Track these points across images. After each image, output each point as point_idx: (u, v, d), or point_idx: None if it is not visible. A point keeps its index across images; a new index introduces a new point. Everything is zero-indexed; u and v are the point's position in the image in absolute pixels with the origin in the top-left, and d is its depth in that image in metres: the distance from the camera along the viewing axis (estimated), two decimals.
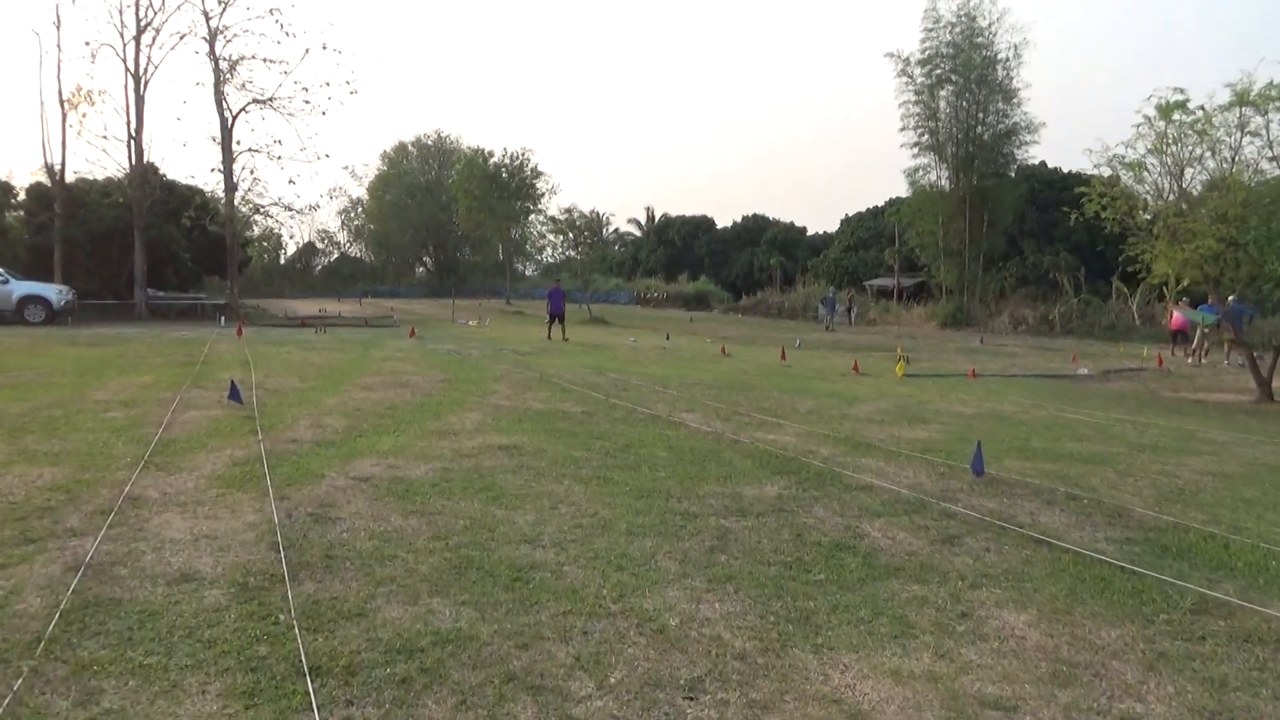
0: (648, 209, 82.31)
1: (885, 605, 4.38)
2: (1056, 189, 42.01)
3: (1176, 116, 14.35)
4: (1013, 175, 38.27)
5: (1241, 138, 14.21)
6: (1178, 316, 24.51)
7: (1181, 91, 14.22)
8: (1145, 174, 15.06)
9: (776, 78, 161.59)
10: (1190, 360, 22.11)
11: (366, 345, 20.66)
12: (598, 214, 42.00)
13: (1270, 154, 13.93)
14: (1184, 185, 14.94)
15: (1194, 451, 9.28)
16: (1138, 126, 14.82)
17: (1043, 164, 41.55)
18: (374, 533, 5.31)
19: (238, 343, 20.54)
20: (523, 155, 52.57)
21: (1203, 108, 14.33)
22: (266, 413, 9.77)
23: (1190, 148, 14.44)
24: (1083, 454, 8.84)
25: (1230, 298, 22.55)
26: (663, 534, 5.47)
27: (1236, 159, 14.38)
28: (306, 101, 35.48)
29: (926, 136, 37.28)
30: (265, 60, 34.48)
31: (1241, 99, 13.78)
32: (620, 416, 10.14)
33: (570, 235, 40.59)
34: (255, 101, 35.16)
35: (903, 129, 38.12)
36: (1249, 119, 14.02)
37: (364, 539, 5.19)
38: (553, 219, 39.79)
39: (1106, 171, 15.48)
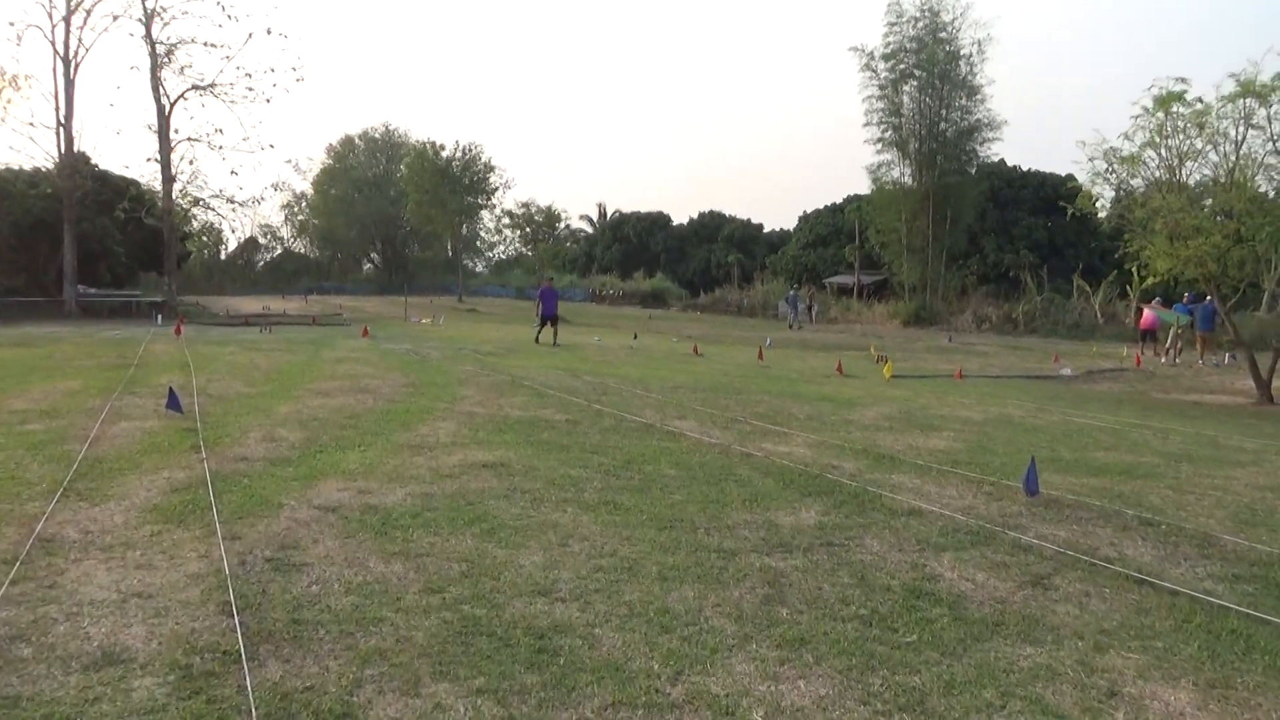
0: (599, 205, 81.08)
1: (1007, 680, 3.50)
2: (1016, 187, 42.05)
3: (1176, 108, 13.81)
4: (974, 172, 38.02)
5: (1246, 130, 13.74)
6: (1147, 315, 24.27)
7: (1183, 81, 13.71)
8: (1142, 168, 14.53)
9: (732, 73, 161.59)
10: (1164, 360, 21.83)
11: (317, 345, 19.39)
12: (554, 209, 40.74)
13: (1275, 148, 13.48)
14: (1183, 179, 14.42)
15: (1232, 462, 8.63)
16: (1135, 118, 14.30)
17: (1002, 161, 41.48)
18: (351, 584, 4.30)
19: (176, 343, 19.14)
20: (475, 149, 51.26)
21: (1200, 99, 13.83)
22: (210, 423, 8.63)
23: (1190, 140, 13.92)
24: (1120, 466, 8.11)
25: (1209, 298, 22.39)
26: (702, 578, 4.54)
27: (1241, 153, 13.91)
28: (249, 89, 33.82)
29: (890, 132, 36.88)
30: (205, 44, 32.77)
31: (1246, 90, 13.27)
32: (609, 425, 9.18)
33: (528, 230, 39.37)
34: (195, 88, 33.43)
35: (866, 124, 37.75)
36: (1253, 110, 13.53)
37: (339, 593, 4.17)
38: (509, 213, 38.64)
39: (1101, 165, 14.93)
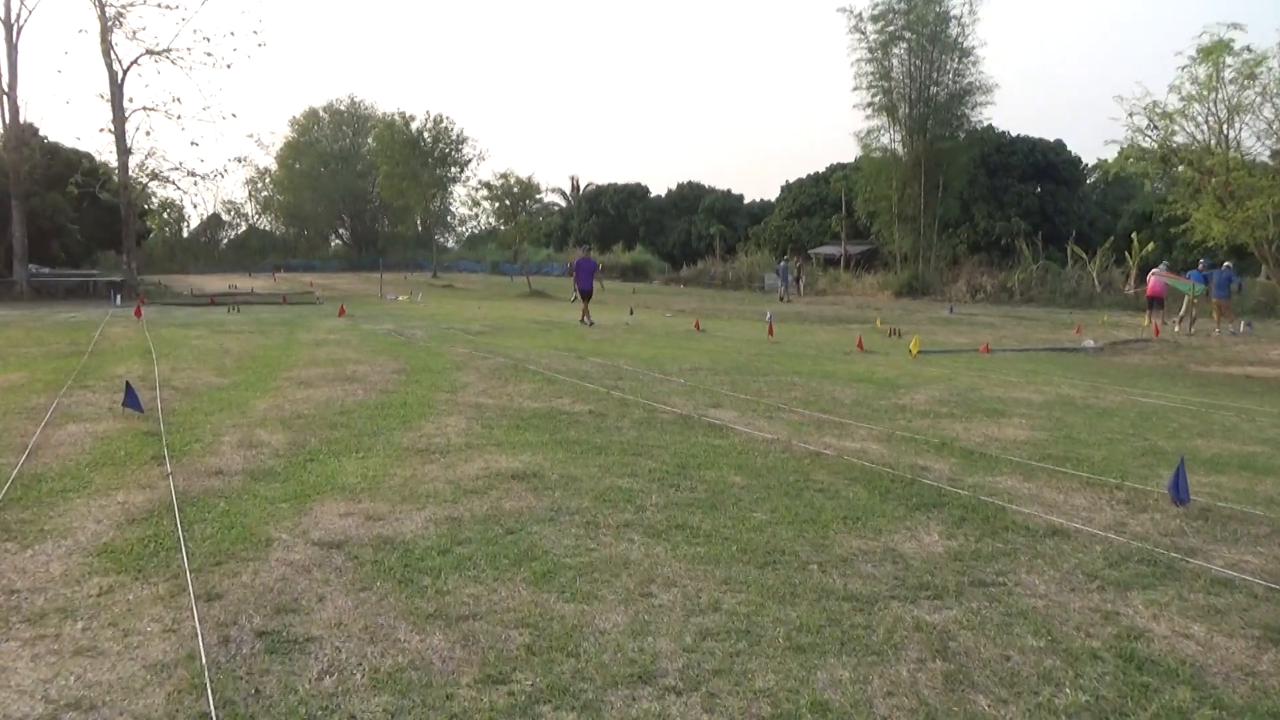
0: (572, 178, 79.21)
1: None
2: (1005, 153, 41.06)
3: (1224, 59, 12.73)
4: (962, 137, 36.88)
5: None
6: (1155, 283, 23.39)
7: (1236, 28, 12.62)
8: (1189, 123, 13.47)
9: (706, 40, 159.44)
10: (1177, 329, 20.96)
11: (291, 326, 17.99)
12: (533, 180, 39.19)
13: None
14: (1232, 134, 13.40)
15: None
16: (1183, 69, 13.20)
17: (990, 127, 40.43)
18: (379, 673, 3.09)
19: (136, 326, 17.65)
20: (446, 119, 49.45)
21: (1249, 48, 12.75)
22: (177, 425, 7.34)
23: (1242, 93, 12.86)
24: (1235, 458, 7.07)
25: (1226, 264, 21.53)
26: (847, 646, 3.39)
27: None
28: (208, 54, 31.86)
29: (880, 97, 35.68)
30: (159, 5, 30.72)
31: None
32: (641, 418, 7.99)
33: (507, 202, 37.83)
34: (149, 53, 31.43)
35: (855, 89, 36.48)
36: None
37: (364, 690, 2.97)
38: (487, 184, 37.05)
39: (1142, 121, 13.84)
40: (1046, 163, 40.85)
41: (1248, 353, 16.48)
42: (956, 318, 25.90)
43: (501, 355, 12.70)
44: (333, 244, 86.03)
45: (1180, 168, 13.82)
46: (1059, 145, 41.95)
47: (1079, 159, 42.26)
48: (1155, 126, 13.96)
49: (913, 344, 14.79)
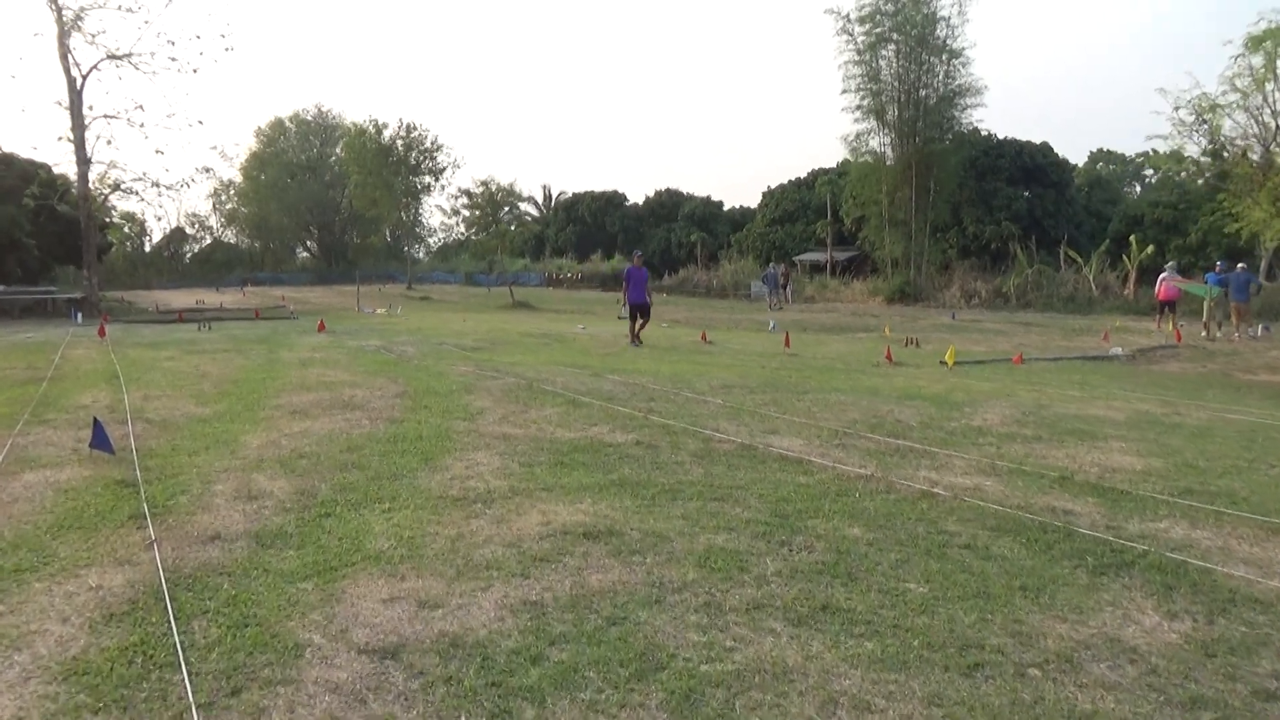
0: (544, 187, 78.00)
1: None
2: (993, 156, 40.50)
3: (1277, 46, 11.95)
4: (949, 140, 36.22)
5: None
6: (1168, 287, 22.73)
7: None
8: (1238, 116, 12.67)
9: (683, 47, 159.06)
10: (1204, 334, 20.25)
11: (270, 344, 16.70)
12: (515, 187, 38.03)
13: None
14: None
15: None
16: (1235, 58, 12.41)
17: (975, 130, 39.81)
18: None
19: (100, 347, 16.29)
20: (420, 127, 48.18)
21: None
22: (156, 469, 6.15)
23: None
24: None
25: (1240, 265, 20.89)
26: None
27: None
28: (172, 58, 30.45)
29: (869, 99, 34.91)
30: (120, 8, 29.24)
31: None
32: (698, 450, 6.92)
33: (489, 210, 36.61)
34: (110, 57, 29.91)
35: (844, 91, 35.72)
36: None
37: None
38: (467, 192, 35.77)
39: (1188, 117, 13.03)
40: (1034, 165, 40.35)
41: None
42: (961, 324, 25.09)
43: (510, 374, 11.56)
44: (300, 256, 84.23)
45: (1240, 165, 12.99)
46: (1046, 148, 41.48)
47: (1066, 161, 41.92)
48: (1204, 120, 13.21)
49: (948, 355, 13.86)
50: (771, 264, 41.16)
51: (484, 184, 35.66)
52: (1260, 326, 20.60)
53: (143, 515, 5.03)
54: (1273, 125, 12.51)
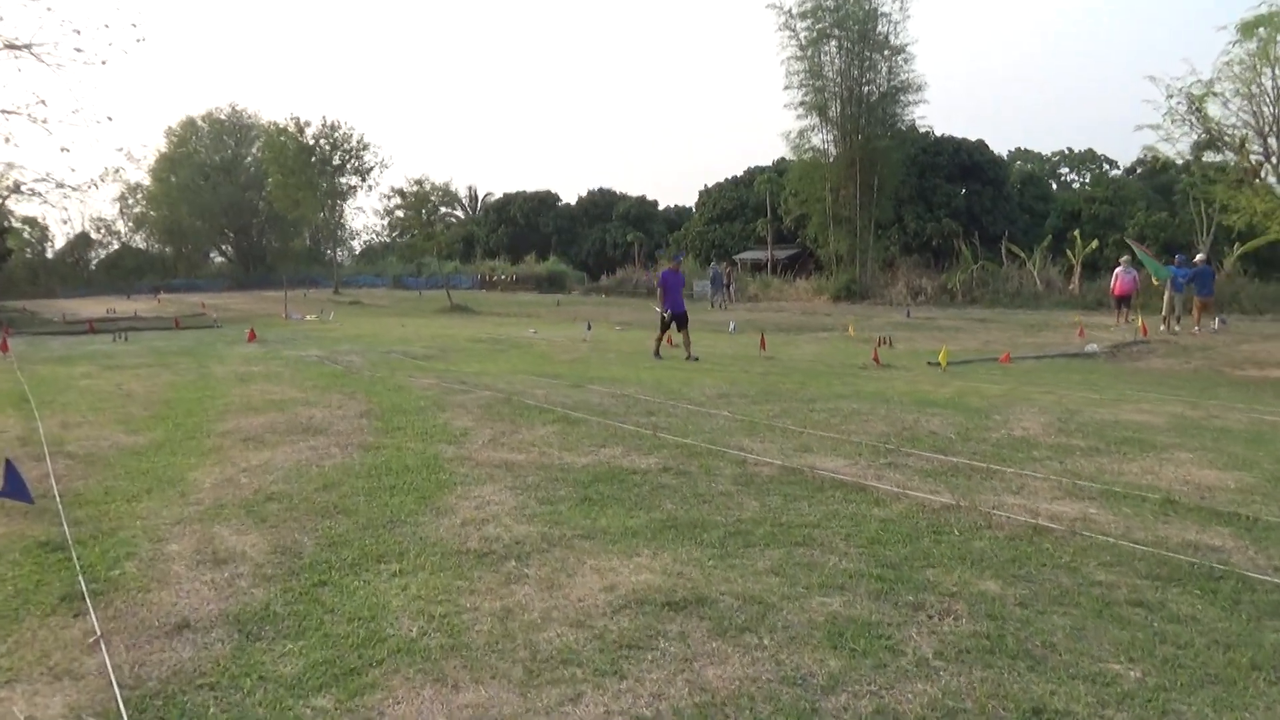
0: (470, 188, 75.98)
1: None
2: (931, 153, 40.58)
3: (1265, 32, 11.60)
4: (891, 138, 36.02)
5: None
6: (1122, 282, 22.67)
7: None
8: (1235, 104, 12.32)
9: (611, 43, 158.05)
10: (1163, 328, 20.13)
11: (197, 357, 15.20)
12: (450, 186, 36.50)
13: None
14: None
15: None
16: (1233, 43, 12.05)
17: (912, 127, 39.78)
18: None
19: (3, 363, 14.56)
20: (345, 125, 46.17)
21: None
22: (89, 523, 4.95)
23: None
24: None
25: (1199, 257, 20.87)
26: None
27: None
28: (79, 49, 28.19)
29: (811, 95, 34.49)
30: None
31: None
32: (737, 475, 6.00)
33: (422, 211, 35.02)
34: (8, 47, 27.44)
35: (786, 87, 35.15)
36: None
37: None
38: (400, 192, 34.12)
39: (1179, 107, 12.64)
40: (971, 163, 40.58)
41: (1260, 352, 15.57)
42: (917, 322, 24.70)
43: (480, 387, 10.45)
44: (215, 262, 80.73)
45: (1240, 157, 12.64)
46: (981, 145, 41.79)
47: (1002, 158, 42.29)
48: (1197, 109, 12.85)
49: (941, 356, 13.20)
50: (714, 263, 40.48)
51: (418, 183, 34.12)
52: (1217, 319, 20.61)
53: (80, 595, 3.86)
54: (1270, 115, 12.25)
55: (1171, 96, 13.11)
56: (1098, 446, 7.11)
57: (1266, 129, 12.29)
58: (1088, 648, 3.30)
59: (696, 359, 14.32)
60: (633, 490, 5.61)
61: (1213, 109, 12.91)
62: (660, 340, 15.31)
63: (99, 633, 3.44)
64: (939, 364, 13.00)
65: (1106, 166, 71.33)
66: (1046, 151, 75.13)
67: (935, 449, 6.97)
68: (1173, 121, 13.34)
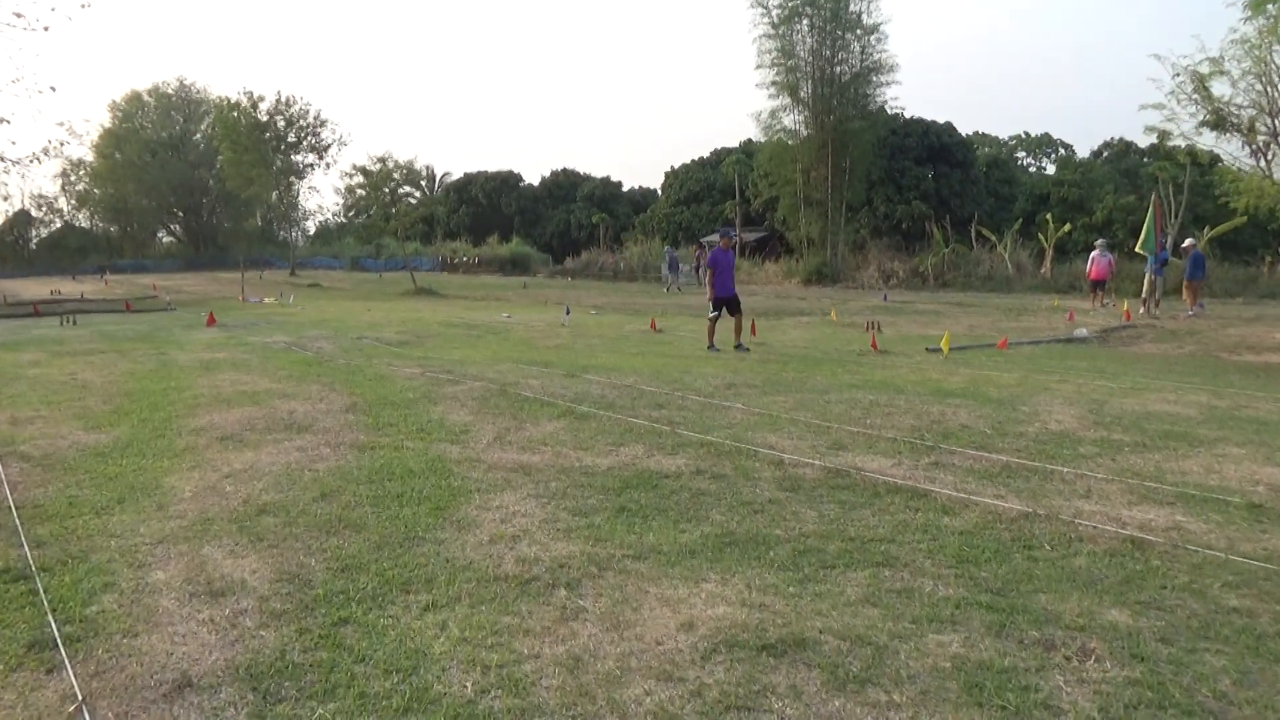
0: (427, 167, 74.23)
1: None
2: (901, 135, 40.34)
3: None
4: (863, 119, 35.62)
5: None
6: (1099, 266, 22.59)
7: None
8: (1246, 82, 12.02)
9: (577, 23, 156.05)
10: (1143, 311, 20.03)
11: (155, 343, 14.32)
12: (415, 164, 35.42)
13: None
14: None
15: None
16: (1245, 20, 11.72)
17: (883, 109, 39.48)
18: None
19: None
20: (301, 101, 44.70)
21: None
22: (55, 545, 4.29)
23: None
24: None
25: (1188, 242, 20.79)
26: None
27: None
28: (18, 14, 26.76)
29: (783, 75, 33.93)
30: None
31: None
32: (781, 480, 5.48)
33: (387, 190, 33.90)
34: None
35: (758, 66, 34.52)
36: None
37: None
38: (362, 169, 32.97)
39: (1185, 86, 12.32)
40: (940, 145, 40.43)
41: (1249, 336, 15.42)
42: (895, 306, 24.40)
43: (468, 377, 9.81)
44: (164, 241, 78.32)
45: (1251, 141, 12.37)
46: (950, 127, 41.69)
47: (970, 141, 42.25)
48: (1205, 87, 12.53)
49: (943, 342, 12.80)
50: (668, 246, 39.85)
51: (380, 160, 33.00)
52: (1196, 305, 20.55)
53: (51, 641, 3.21)
54: (1278, 95, 12.02)
55: (1178, 75, 12.81)
56: (1143, 441, 6.70)
57: (1275, 109, 12.05)
58: (1265, 697, 2.82)
59: (746, 349, 12.75)
60: (671, 498, 5.06)
61: (1218, 88, 12.67)
62: (713, 330, 13.27)
63: (80, 697, 2.80)
64: (940, 350, 12.59)
65: (1063, 151, 72.07)
66: (1004, 135, 75.65)
67: (975, 445, 6.51)
68: (1178, 101, 13.04)
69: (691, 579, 3.81)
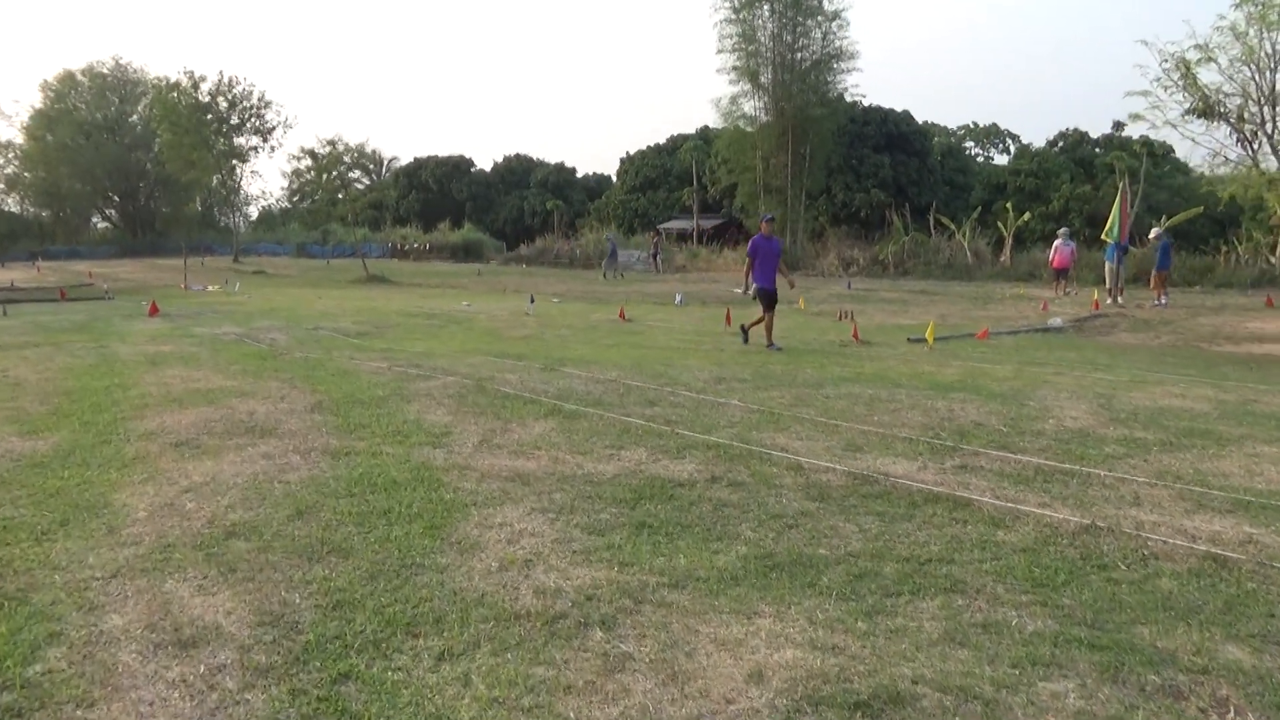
0: (374, 152, 72.35)
1: None
2: (860, 123, 40.20)
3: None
4: (822, 106, 35.42)
5: None
6: (1061, 253, 22.63)
7: None
8: (1238, 69, 11.82)
9: (530, 6, 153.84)
10: (1109, 300, 20.04)
11: (94, 334, 13.41)
12: (367, 148, 34.26)
13: None
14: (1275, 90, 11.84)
15: None
16: (1236, 5, 11.52)
17: (841, 96, 39.33)
18: None
19: None
20: (245, 82, 43.14)
21: None
22: None
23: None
24: None
25: (1154, 232, 20.84)
26: None
27: None
28: None
29: (744, 61, 33.51)
30: None
31: None
32: (805, 488, 5.03)
33: (335, 174, 32.76)
34: None
35: (719, 51, 34.13)
36: None
37: None
38: (311, 153, 31.75)
39: (1174, 73, 12.10)
40: (898, 133, 40.41)
41: (1223, 326, 15.43)
42: (860, 294, 24.17)
43: (440, 371, 9.21)
44: (99, 227, 75.45)
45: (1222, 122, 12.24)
46: (908, 116, 41.70)
47: (927, 129, 42.30)
48: (1192, 74, 12.33)
49: (928, 333, 12.49)
50: (609, 232, 39.23)
51: (330, 143, 31.85)
52: (1162, 296, 20.65)
53: None
54: (1268, 82, 11.88)
55: (1165, 62, 12.64)
56: (1168, 440, 6.39)
57: (1263, 98, 11.93)
58: None
59: (779, 349, 11.51)
60: (691, 510, 4.57)
61: (1206, 75, 12.52)
62: (757, 324, 11.96)
63: None
64: (924, 341, 12.29)
65: (1010, 141, 72.82)
66: (953, 125, 76.18)
67: (995, 444, 6.14)
68: (1164, 89, 12.87)
69: (742, 613, 3.32)
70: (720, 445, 5.98)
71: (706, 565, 3.80)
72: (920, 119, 50.77)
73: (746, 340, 12.17)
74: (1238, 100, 12.92)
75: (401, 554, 3.94)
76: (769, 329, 11.86)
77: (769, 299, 11.83)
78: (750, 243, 12.34)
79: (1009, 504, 4.70)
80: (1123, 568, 3.81)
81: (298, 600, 3.45)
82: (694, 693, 2.74)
